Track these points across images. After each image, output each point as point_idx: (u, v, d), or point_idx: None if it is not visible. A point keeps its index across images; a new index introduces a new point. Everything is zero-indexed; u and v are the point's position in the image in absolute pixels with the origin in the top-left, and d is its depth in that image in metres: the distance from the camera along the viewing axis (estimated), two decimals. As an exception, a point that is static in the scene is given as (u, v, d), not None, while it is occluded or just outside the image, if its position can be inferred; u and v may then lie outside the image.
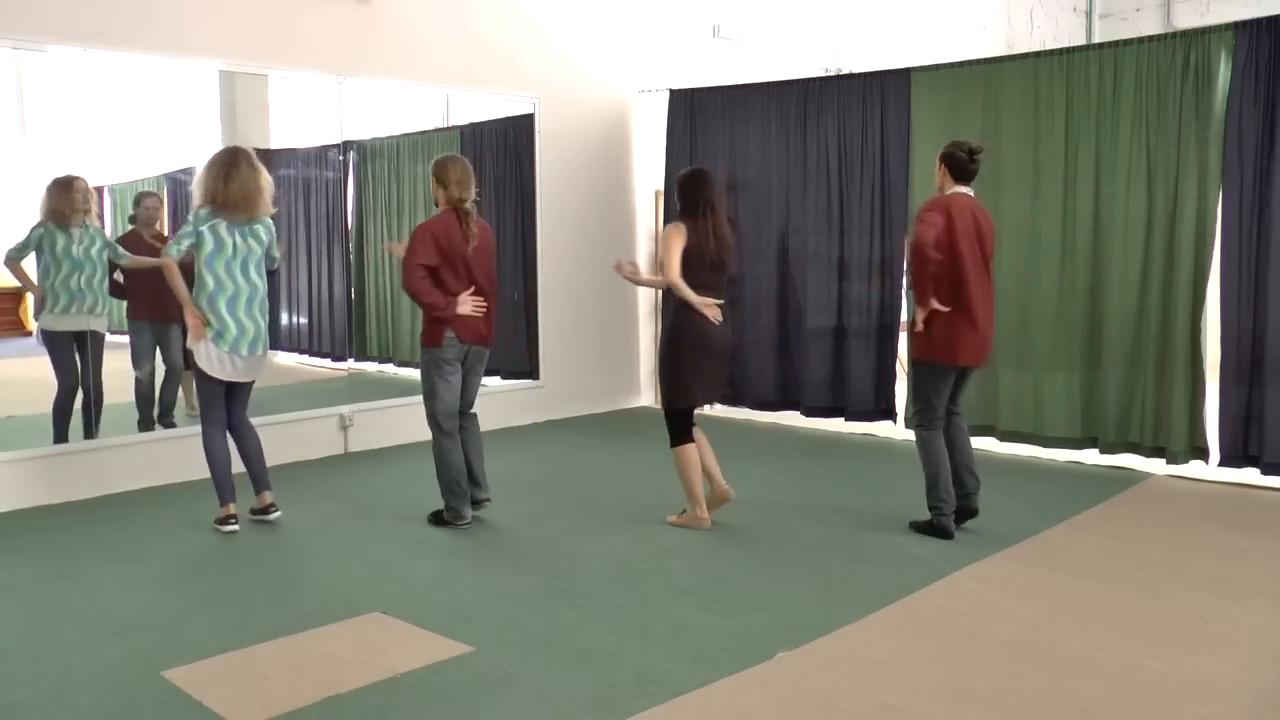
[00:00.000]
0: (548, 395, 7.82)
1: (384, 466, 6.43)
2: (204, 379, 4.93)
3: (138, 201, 6.28)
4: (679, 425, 4.99)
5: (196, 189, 4.92)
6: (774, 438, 7.19)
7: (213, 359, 4.87)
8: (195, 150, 6.63)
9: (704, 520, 5.02)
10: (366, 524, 5.14)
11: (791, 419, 7.62)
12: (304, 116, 7.00)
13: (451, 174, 4.98)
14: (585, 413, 8.12)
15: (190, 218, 4.89)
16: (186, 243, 4.83)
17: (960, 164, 4.84)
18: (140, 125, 6.30)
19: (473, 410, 5.25)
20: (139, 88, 6.15)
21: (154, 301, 5.97)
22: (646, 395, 8.66)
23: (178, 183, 6.67)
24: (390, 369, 7.62)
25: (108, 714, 3.12)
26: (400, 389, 7.37)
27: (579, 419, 7.93)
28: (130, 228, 6.21)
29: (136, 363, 6.19)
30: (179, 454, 5.98)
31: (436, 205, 5.06)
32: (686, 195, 4.95)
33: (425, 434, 7.00)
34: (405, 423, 7.07)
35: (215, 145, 6.46)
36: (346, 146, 7.06)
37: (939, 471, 4.83)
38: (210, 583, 4.31)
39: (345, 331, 7.22)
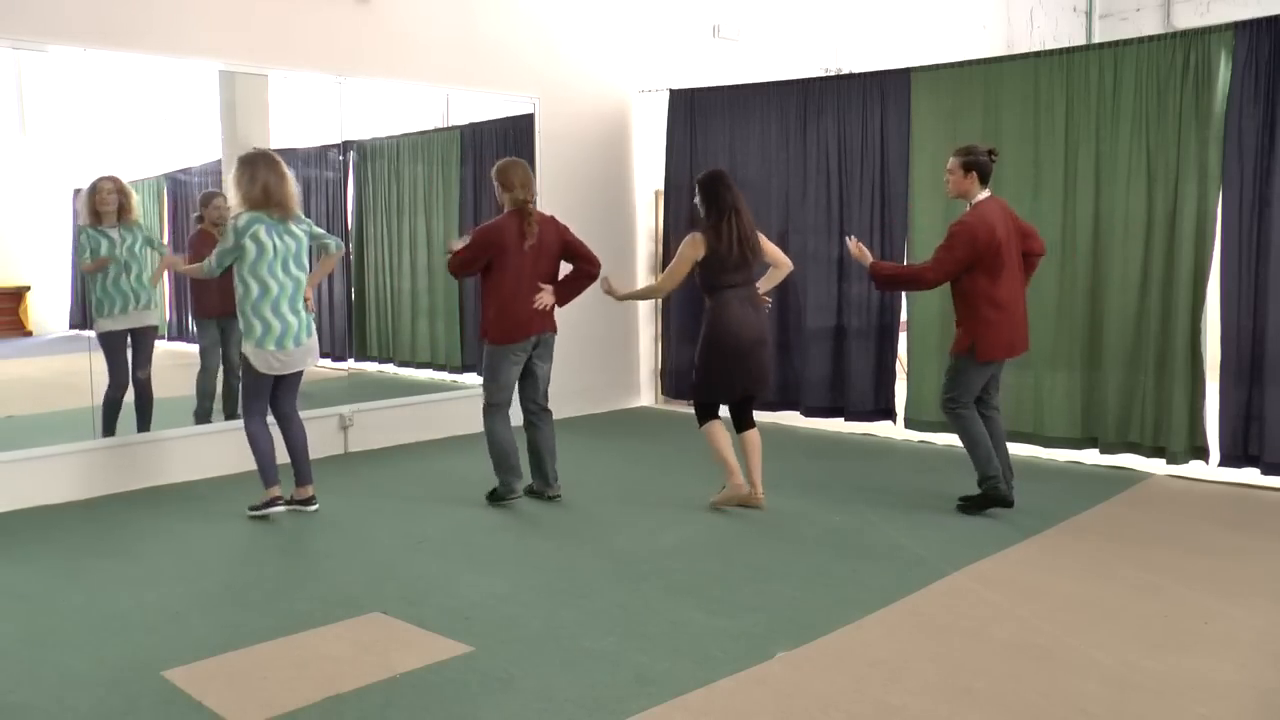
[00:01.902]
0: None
1: (384, 466, 6.43)
2: (252, 373, 5.10)
3: (206, 201, 6.36)
4: (703, 411, 5.30)
5: (234, 191, 5.01)
6: (774, 438, 7.18)
7: (265, 359, 5.05)
8: (195, 150, 6.66)
9: (742, 486, 5.26)
10: (366, 524, 5.14)
11: (791, 419, 7.62)
12: (304, 116, 7.00)
13: (515, 177, 5.30)
14: (586, 413, 8.11)
15: (230, 231, 4.96)
16: (230, 260, 4.98)
17: (985, 168, 5.07)
18: (140, 125, 6.30)
19: (547, 406, 5.55)
20: (139, 88, 6.16)
21: (218, 299, 6.10)
22: (647, 395, 8.66)
23: (178, 183, 6.68)
24: (390, 369, 7.63)
25: (108, 714, 3.12)
26: (400, 389, 7.38)
27: (579, 419, 7.93)
28: (198, 227, 6.31)
29: (202, 358, 6.34)
30: (180, 454, 5.98)
31: (502, 208, 5.35)
32: (710, 200, 5.15)
33: (424, 434, 7.09)
34: (405, 423, 7.08)
35: (215, 145, 6.51)
36: (346, 146, 7.06)
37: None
38: (210, 583, 4.31)
39: (345, 331, 7.23)
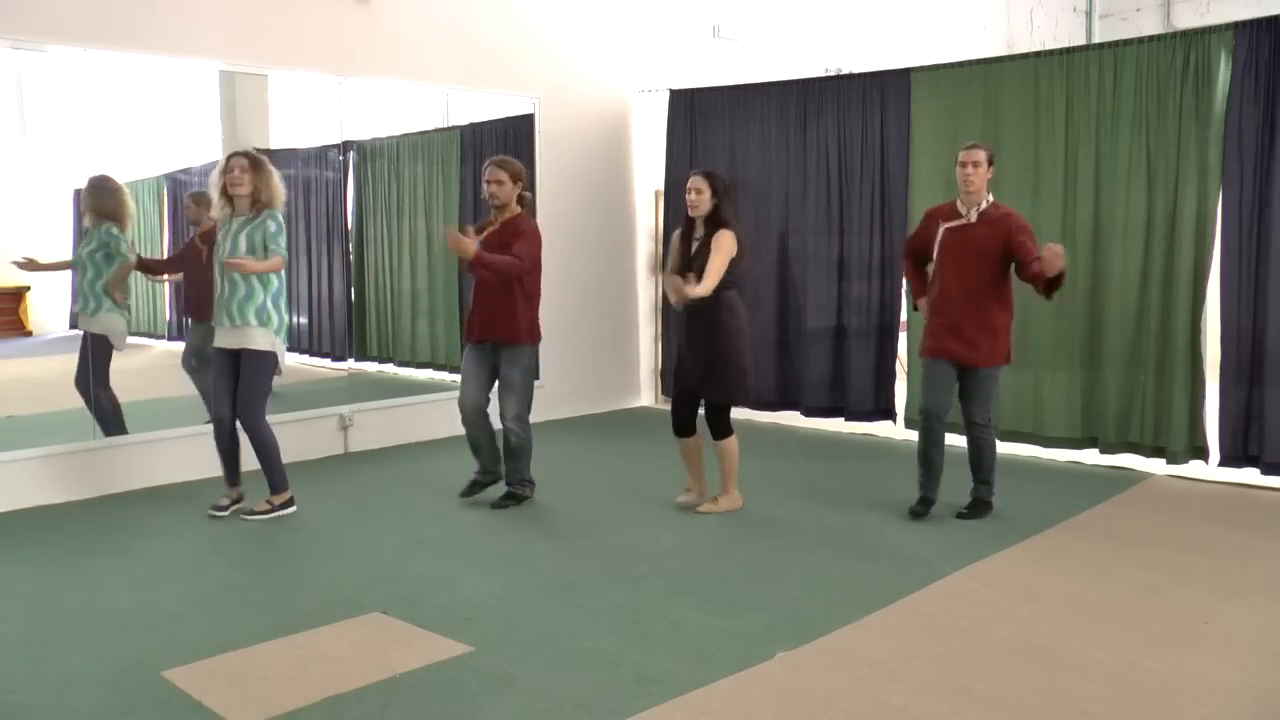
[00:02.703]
0: (548, 395, 7.80)
1: (384, 466, 6.43)
2: (270, 370, 5.16)
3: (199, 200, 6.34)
4: (727, 418, 5.26)
5: (273, 190, 5.06)
6: (774, 438, 7.19)
7: (281, 354, 5.17)
8: (195, 150, 6.65)
9: (740, 500, 5.35)
10: (366, 524, 5.14)
11: (791, 419, 7.62)
12: (304, 116, 7.00)
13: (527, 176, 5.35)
14: (585, 413, 8.12)
15: (281, 223, 5.10)
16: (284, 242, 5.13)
17: None
18: (140, 125, 6.30)
19: None
20: (139, 88, 6.15)
21: (188, 301, 6.07)
22: (646, 395, 8.66)
23: (178, 183, 6.67)
24: (390, 369, 7.62)
25: (108, 714, 3.12)
26: (400, 389, 7.37)
27: (579, 419, 7.93)
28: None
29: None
30: (178, 454, 5.98)
31: (504, 207, 5.28)
32: (730, 202, 5.13)
33: (425, 433, 7.08)
34: (405, 423, 7.08)
35: (215, 145, 6.50)
36: (346, 146, 7.06)
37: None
38: (210, 583, 4.31)
39: (345, 331, 7.23)
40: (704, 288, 4.91)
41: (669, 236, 8.17)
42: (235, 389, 5.12)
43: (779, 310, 7.64)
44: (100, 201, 5.71)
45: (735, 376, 5.15)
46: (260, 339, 5.06)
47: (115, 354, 5.81)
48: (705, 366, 5.14)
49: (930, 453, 5.10)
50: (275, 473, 5.22)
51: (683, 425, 5.28)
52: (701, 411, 5.28)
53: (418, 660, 3.47)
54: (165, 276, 6.51)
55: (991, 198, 5.03)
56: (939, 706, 3.12)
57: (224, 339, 5.10)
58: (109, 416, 5.80)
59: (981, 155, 4.92)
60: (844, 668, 3.40)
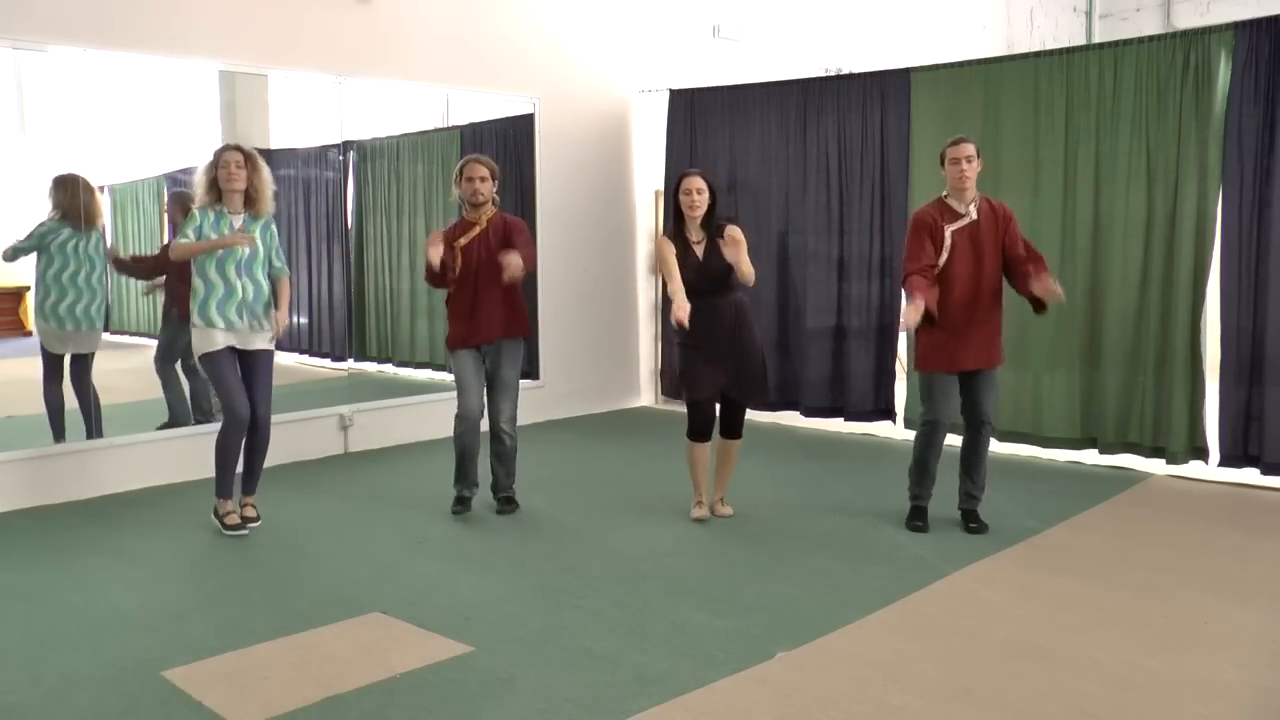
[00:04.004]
0: (547, 395, 7.82)
1: (384, 466, 6.43)
2: None
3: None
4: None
5: (267, 189, 5.03)
6: (774, 438, 7.19)
7: None
8: (195, 150, 6.64)
9: None
10: (366, 524, 5.14)
11: (791, 419, 7.62)
12: (304, 116, 7.00)
13: None
14: (585, 413, 8.12)
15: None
16: None
17: None
18: (140, 125, 6.30)
19: None
20: (139, 88, 6.15)
21: (183, 301, 6.14)
22: (646, 395, 8.66)
23: (178, 182, 6.67)
24: (390, 369, 7.63)
25: (108, 714, 3.12)
26: (400, 389, 7.38)
27: (579, 419, 7.93)
28: None
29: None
30: (179, 454, 5.98)
31: (484, 205, 5.17)
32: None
33: (425, 434, 7.08)
34: (405, 423, 7.08)
35: (216, 145, 6.50)
36: (346, 146, 7.06)
37: None
38: (210, 583, 4.31)
39: (345, 331, 7.23)
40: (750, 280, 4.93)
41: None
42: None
43: (779, 310, 7.64)
44: (52, 196, 5.70)
45: (763, 376, 5.12)
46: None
47: (97, 355, 5.84)
48: (745, 368, 5.00)
49: (933, 463, 4.97)
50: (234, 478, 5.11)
51: (709, 428, 5.11)
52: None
53: (418, 660, 3.47)
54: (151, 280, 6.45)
55: (976, 191, 4.86)
56: (939, 706, 3.12)
57: (244, 340, 4.95)
58: (56, 416, 5.75)
59: (972, 149, 4.75)
60: (844, 668, 3.40)
